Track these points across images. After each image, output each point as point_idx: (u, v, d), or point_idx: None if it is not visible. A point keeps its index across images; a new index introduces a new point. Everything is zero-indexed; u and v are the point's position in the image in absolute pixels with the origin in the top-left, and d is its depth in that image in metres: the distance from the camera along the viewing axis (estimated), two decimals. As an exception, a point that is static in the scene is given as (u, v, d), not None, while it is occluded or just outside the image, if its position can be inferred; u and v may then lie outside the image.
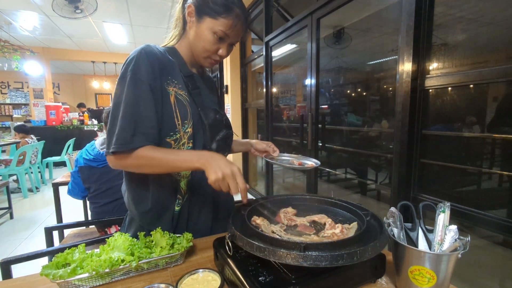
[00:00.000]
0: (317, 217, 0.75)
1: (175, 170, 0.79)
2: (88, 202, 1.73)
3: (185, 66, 0.88)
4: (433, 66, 1.41)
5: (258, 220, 0.70)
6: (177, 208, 0.86)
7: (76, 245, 0.70)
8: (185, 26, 0.87)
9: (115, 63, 7.76)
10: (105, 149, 0.77)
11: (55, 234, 1.45)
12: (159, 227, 0.76)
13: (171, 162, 0.73)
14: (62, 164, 6.49)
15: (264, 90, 3.33)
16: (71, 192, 1.71)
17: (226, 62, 4.22)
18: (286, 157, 1.12)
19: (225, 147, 0.94)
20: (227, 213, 0.97)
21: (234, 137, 1.07)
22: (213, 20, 0.79)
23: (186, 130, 0.82)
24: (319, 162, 1.03)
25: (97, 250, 0.69)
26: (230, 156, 4.38)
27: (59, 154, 5.55)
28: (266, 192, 3.68)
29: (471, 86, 1.32)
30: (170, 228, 0.86)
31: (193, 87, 0.87)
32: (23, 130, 4.74)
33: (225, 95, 4.34)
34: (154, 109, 0.76)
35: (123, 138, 0.72)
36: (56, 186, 2.18)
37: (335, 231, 0.65)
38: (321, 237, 0.65)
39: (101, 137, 1.70)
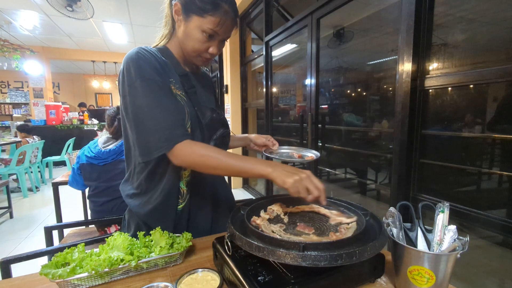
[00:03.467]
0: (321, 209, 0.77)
1: (241, 175, 0.76)
2: (87, 201, 1.74)
3: (179, 65, 0.87)
4: (433, 66, 1.41)
5: (258, 220, 0.70)
6: (179, 207, 0.86)
7: (75, 245, 0.70)
8: (175, 24, 0.85)
9: (115, 63, 7.76)
10: (141, 157, 0.75)
11: (55, 233, 1.45)
12: (159, 227, 0.76)
13: (238, 167, 0.71)
14: (62, 163, 6.49)
15: (264, 89, 3.33)
16: (71, 184, 1.76)
17: (226, 61, 4.21)
18: (285, 149, 1.11)
19: (222, 145, 0.93)
20: (227, 214, 0.97)
21: (231, 135, 1.07)
22: (201, 19, 0.76)
23: None
24: (318, 154, 1.02)
25: (96, 250, 0.69)
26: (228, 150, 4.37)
27: (59, 153, 5.55)
28: (266, 192, 3.68)
29: (471, 86, 1.32)
30: (172, 226, 0.86)
31: (189, 86, 0.86)
32: (26, 129, 4.73)
33: (225, 94, 4.34)
34: (175, 101, 0.77)
35: (165, 137, 0.72)
36: (56, 186, 2.18)
37: (343, 218, 0.69)
38: (329, 224, 0.66)
39: (104, 135, 1.71)
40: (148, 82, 0.74)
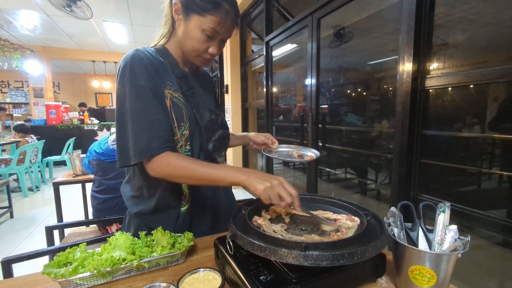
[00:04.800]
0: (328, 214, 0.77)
1: (215, 183, 0.75)
2: (89, 199, 1.76)
3: (177, 66, 0.86)
4: (434, 66, 1.41)
5: (259, 220, 0.71)
6: (182, 209, 0.86)
7: (77, 244, 0.71)
8: (174, 24, 0.84)
9: (115, 63, 7.76)
10: (118, 163, 0.76)
11: (56, 233, 1.46)
12: (160, 226, 0.76)
13: (212, 176, 0.71)
14: (62, 163, 6.49)
15: (265, 89, 3.33)
16: (83, 165, 1.93)
17: (226, 61, 4.22)
18: (284, 148, 1.10)
19: (221, 147, 0.93)
20: (229, 214, 0.97)
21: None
22: (201, 18, 0.75)
23: (183, 133, 0.81)
24: (318, 153, 1.01)
25: (98, 249, 0.70)
26: (230, 153, 4.38)
27: (59, 153, 5.55)
28: (266, 192, 3.67)
29: (471, 86, 1.32)
30: (174, 227, 0.86)
31: (187, 88, 0.85)
32: (23, 129, 4.74)
33: (225, 94, 4.34)
34: (162, 111, 0.75)
35: (140, 148, 0.71)
36: (56, 185, 2.19)
37: (349, 222, 0.68)
38: (338, 226, 0.67)
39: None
40: (137, 88, 0.73)
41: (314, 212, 0.78)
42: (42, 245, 1.39)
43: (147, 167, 0.75)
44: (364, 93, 2.46)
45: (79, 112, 7.15)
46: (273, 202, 0.64)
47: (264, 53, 3.30)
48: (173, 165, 0.72)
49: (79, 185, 2.61)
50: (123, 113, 0.73)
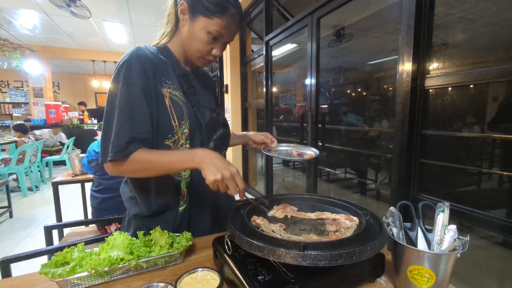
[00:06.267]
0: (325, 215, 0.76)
1: (171, 171, 0.77)
2: (89, 199, 1.76)
3: (179, 65, 0.86)
4: (433, 66, 1.41)
5: (258, 220, 0.70)
6: (180, 209, 0.86)
7: (75, 244, 0.70)
8: (178, 23, 0.84)
9: (115, 62, 7.75)
10: (100, 159, 0.76)
11: (55, 233, 1.45)
12: (158, 226, 0.76)
13: (167, 164, 0.72)
14: (62, 163, 6.49)
15: (264, 89, 3.33)
16: (83, 166, 1.96)
17: (226, 61, 4.21)
18: (284, 147, 1.10)
19: (222, 146, 0.93)
20: (228, 213, 0.97)
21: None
22: (208, 20, 0.77)
23: (184, 131, 0.81)
24: (318, 152, 1.01)
25: (96, 249, 0.69)
26: (229, 153, 4.38)
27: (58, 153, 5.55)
28: (266, 192, 3.68)
29: (471, 86, 1.31)
30: (172, 227, 0.86)
31: (188, 87, 0.85)
32: (21, 129, 4.74)
33: (225, 94, 4.34)
34: (148, 113, 0.75)
35: (118, 145, 0.71)
36: (55, 185, 2.18)
37: (348, 222, 0.68)
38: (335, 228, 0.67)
39: None
40: (129, 86, 0.73)
41: (313, 214, 0.78)
42: (41, 245, 1.39)
43: (106, 167, 0.75)
44: (364, 93, 2.46)
45: (78, 112, 7.15)
46: (220, 191, 0.68)
47: (264, 53, 3.29)
48: (129, 161, 0.72)
49: (78, 185, 2.61)
50: (112, 109, 0.74)
